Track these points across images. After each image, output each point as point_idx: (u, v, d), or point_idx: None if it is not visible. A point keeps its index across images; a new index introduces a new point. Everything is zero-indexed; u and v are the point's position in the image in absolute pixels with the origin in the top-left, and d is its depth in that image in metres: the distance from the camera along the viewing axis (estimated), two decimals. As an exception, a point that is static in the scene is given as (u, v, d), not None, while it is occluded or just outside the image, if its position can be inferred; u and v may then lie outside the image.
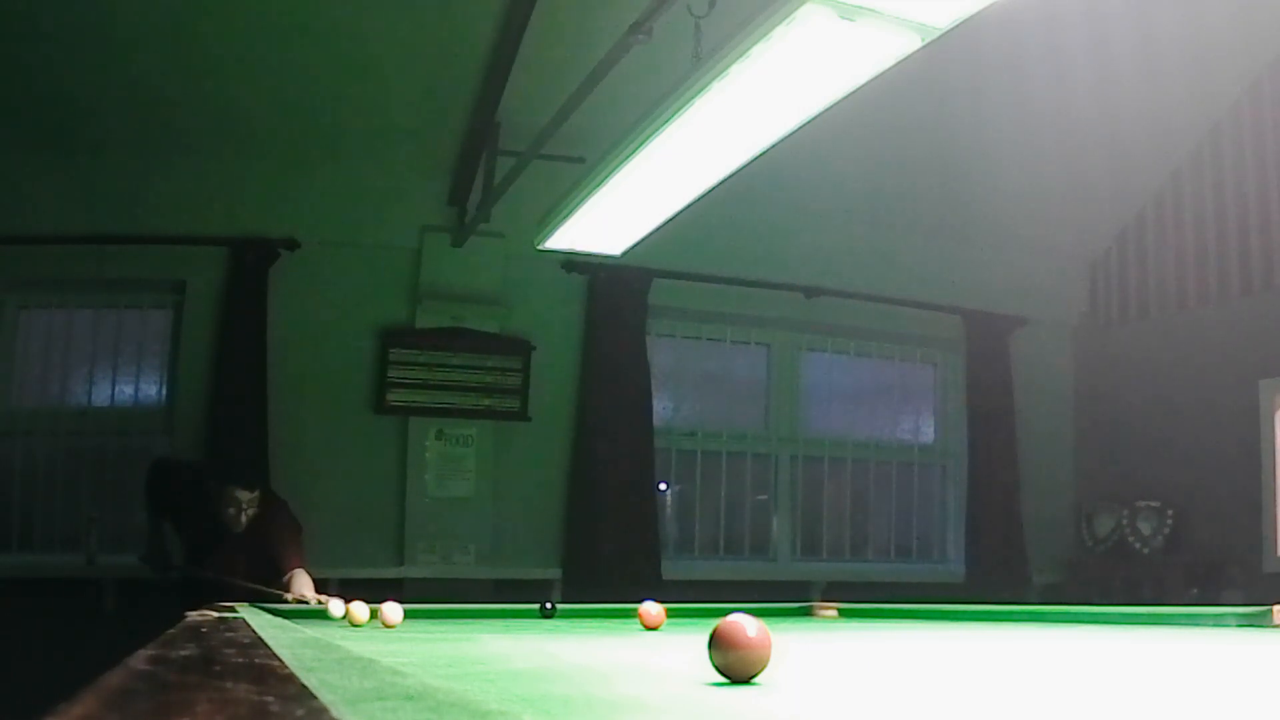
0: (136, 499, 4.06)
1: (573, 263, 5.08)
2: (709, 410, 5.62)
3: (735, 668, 1.17)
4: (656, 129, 2.68)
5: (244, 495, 3.83)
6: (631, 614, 3.25)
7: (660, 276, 5.23)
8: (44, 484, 4.59)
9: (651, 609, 2.74)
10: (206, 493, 3.88)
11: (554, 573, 4.98)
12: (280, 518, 3.94)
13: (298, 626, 1.74)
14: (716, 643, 1.18)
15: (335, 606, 3.01)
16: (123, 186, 4.60)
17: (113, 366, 4.80)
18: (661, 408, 5.41)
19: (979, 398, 5.84)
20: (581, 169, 3.36)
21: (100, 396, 4.77)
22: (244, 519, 3.81)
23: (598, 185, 3.18)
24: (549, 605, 3.27)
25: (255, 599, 3.20)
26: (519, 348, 5.03)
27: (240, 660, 0.80)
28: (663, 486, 5.42)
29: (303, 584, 3.64)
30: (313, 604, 3.50)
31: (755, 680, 1.17)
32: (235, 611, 2.03)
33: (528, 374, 5.02)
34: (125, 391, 4.81)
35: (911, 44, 2.16)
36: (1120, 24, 4.50)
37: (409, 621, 2.73)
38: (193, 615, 1.75)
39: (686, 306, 5.44)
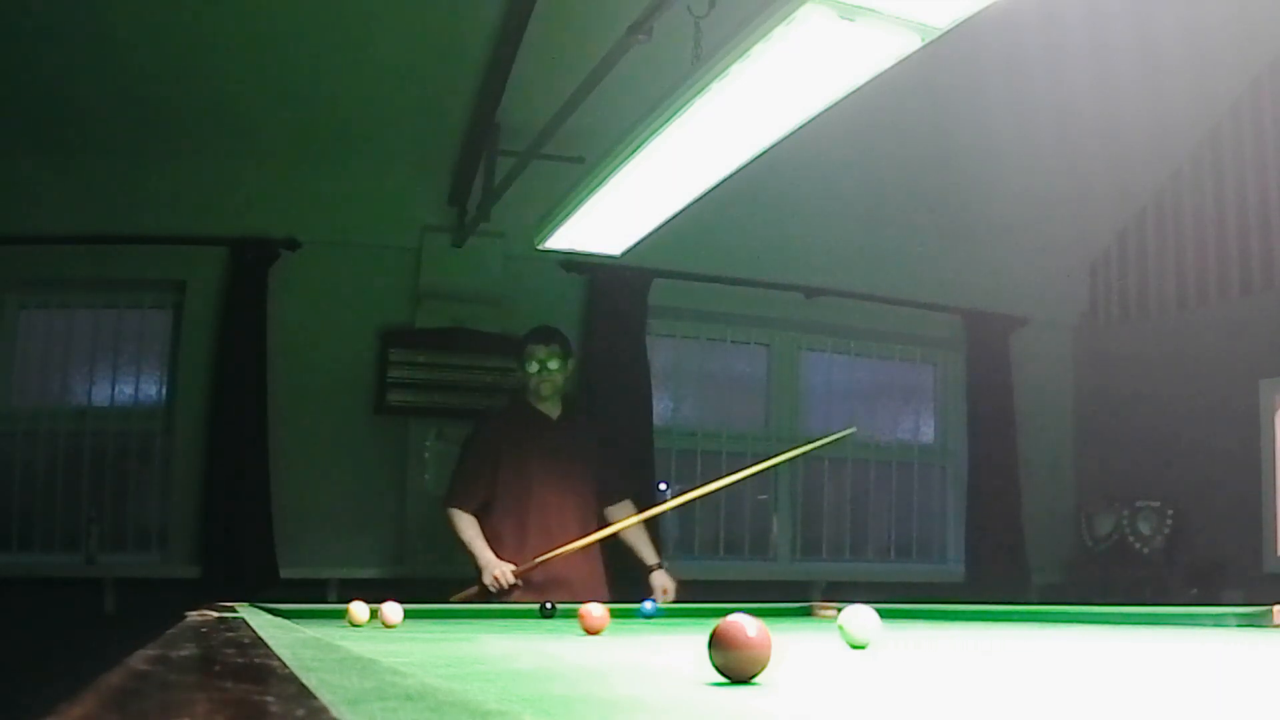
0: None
1: (572, 263, 5.07)
2: (709, 410, 5.62)
3: (735, 668, 1.17)
4: (656, 129, 2.68)
5: (541, 350, 3.68)
6: (632, 614, 3.25)
7: (660, 276, 5.22)
8: (44, 484, 4.59)
9: (594, 610, 2.46)
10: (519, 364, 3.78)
11: (554, 573, 4.97)
12: (601, 432, 3.88)
13: (298, 626, 1.74)
14: (716, 643, 1.18)
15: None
16: (123, 186, 4.60)
17: (113, 366, 4.80)
18: (661, 408, 5.40)
19: (979, 398, 5.84)
20: (581, 169, 3.36)
21: (100, 396, 4.76)
22: (546, 387, 3.76)
23: (598, 185, 3.18)
24: (549, 605, 3.27)
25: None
26: (519, 348, 5.02)
27: (240, 660, 0.80)
28: (663, 486, 5.42)
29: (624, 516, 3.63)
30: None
31: (755, 680, 1.17)
32: (235, 611, 2.03)
33: (528, 374, 5.02)
34: (125, 391, 4.81)
35: (911, 44, 2.16)
36: (1120, 24, 4.50)
37: (409, 621, 2.73)
38: (193, 615, 1.76)
39: (686, 306, 5.43)
